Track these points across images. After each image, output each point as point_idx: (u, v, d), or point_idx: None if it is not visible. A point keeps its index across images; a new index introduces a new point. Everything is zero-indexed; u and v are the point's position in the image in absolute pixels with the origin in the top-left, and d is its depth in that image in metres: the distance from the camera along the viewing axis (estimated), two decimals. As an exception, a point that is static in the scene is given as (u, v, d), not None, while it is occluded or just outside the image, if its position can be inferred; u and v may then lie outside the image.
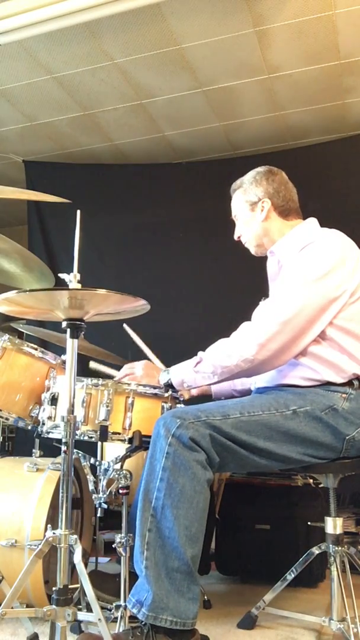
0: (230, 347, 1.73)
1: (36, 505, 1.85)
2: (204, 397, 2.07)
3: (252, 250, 2.04)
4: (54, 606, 1.36)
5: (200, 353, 1.81)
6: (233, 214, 2.05)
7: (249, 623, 1.86)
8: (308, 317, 1.69)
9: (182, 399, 1.93)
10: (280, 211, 1.95)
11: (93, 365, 2.15)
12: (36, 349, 2.00)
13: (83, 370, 1.84)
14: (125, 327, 2.19)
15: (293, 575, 1.86)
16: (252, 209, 1.97)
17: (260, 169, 2.00)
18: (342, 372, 1.72)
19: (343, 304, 1.73)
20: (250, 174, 2.00)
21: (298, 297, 1.70)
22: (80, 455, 1.93)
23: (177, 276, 3.47)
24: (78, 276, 1.48)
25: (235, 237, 2.05)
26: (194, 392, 2.04)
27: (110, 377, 2.05)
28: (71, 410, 1.48)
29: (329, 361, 1.73)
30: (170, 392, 1.87)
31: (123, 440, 1.76)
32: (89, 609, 1.43)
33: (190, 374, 1.79)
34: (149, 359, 2.10)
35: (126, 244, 3.59)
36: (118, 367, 2.07)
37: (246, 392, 2.07)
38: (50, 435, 1.82)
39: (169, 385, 1.84)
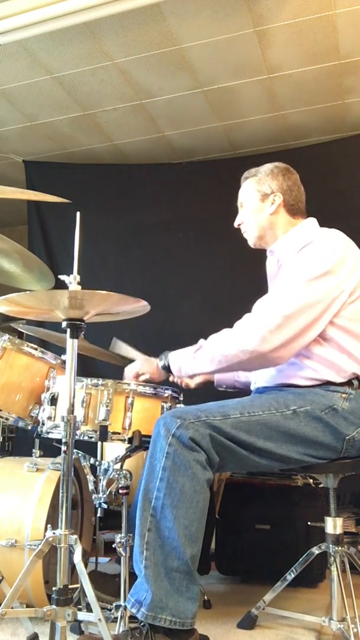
0: (232, 336, 1.73)
1: (36, 505, 1.85)
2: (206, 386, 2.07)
3: (251, 241, 2.00)
4: (54, 606, 1.36)
5: (201, 340, 1.81)
6: (239, 200, 2.02)
7: (249, 623, 1.86)
8: (312, 314, 1.68)
9: (188, 388, 1.93)
10: (289, 209, 1.94)
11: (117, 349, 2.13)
12: (36, 349, 2.00)
13: (83, 370, 1.84)
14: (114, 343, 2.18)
15: (293, 575, 1.86)
16: (263, 200, 1.95)
17: (278, 163, 1.99)
18: (341, 371, 1.72)
19: (342, 303, 1.73)
20: (268, 166, 1.98)
21: (301, 294, 1.69)
22: (80, 455, 1.93)
23: (177, 276, 3.47)
24: (78, 278, 1.48)
25: (236, 224, 2.02)
26: (198, 379, 2.05)
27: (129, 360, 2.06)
28: (71, 410, 1.48)
29: (329, 360, 1.73)
30: (170, 392, 1.87)
31: (123, 440, 1.77)
32: (89, 609, 1.43)
33: (188, 360, 1.79)
34: None
35: (126, 244, 3.59)
36: (119, 369, 2.07)
37: (248, 385, 2.07)
38: (50, 435, 1.83)
39: (166, 368, 1.84)
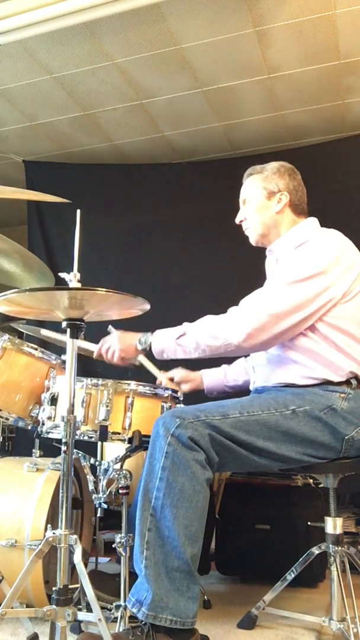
0: (218, 329, 1.74)
1: (36, 505, 1.85)
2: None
3: (253, 238, 1.99)
4: (54, 606, 1.36)
5: (185, 325, 1.81)
6: (242, 197, 2.00)
7: (249, 623, 1.86)
8: (300, 315, 1.70)
9: (180, 397, 1.93)
10: (294, 209, 1.94)
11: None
12: (36, 349, 2.00)
13: (83, 370, 1.83)
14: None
15: (293, 575, 1.86)
16: (269, 198, 1.94)
17: (284, 163, 1.99)
18: (339, 369, 1.73)
19: (335, 303, 1.73)
20: (274, 164, 1.98)
21: (291, 295, 1.70)
22: (80, 455, 1.93)
23: (177, 276, 3.47)
24: (78, 275, 1.48)
25: (237, 221, 2.01)
26: (186, 387, 2.06)
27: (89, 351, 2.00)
28: (71, 410, 1.48)
29: (326, 359, 1.73)
30: (170, 393, 1.87)
31: (123, 440, 1.77)
32: (89, 609, 1.43)
33: (171, 344, 1.80)
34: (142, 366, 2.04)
35: (126, 244, 3.59)
36: (119, 369, 2.06)
37: (238, 388, 2.08)
38: (50, 435, 1.82)
39: (145, 350, 1.84)
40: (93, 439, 1.75)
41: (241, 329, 1.69)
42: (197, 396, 2.02)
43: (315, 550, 1.83)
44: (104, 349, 1.92)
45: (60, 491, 1.43)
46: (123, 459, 1.76)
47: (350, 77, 2.90)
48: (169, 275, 3.47)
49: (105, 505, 1.84)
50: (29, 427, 1.96)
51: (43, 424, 1.85)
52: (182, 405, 1.95)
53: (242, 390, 2.05)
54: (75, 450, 1.81)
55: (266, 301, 1.72)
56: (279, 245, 1.93)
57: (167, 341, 1.81)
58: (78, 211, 1.55)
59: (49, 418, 1.83)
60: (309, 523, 2.19)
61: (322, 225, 1.93)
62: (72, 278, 1.47)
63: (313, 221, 1.94)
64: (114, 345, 1.90)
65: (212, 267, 3.39)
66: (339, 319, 1.74)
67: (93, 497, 1.85)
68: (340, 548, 1.78)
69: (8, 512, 1.87)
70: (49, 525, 1.73)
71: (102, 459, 1.97)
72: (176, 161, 3.69)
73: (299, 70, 2.85)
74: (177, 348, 1.79)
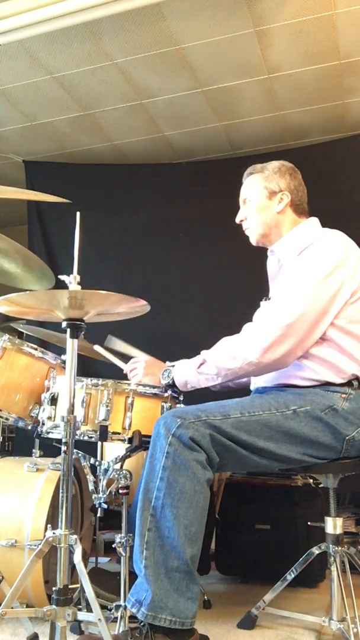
0: (235, 350, 1.71)
1: (36, 505, 1.85)
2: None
3: (254, 238, 1.98)
4: (54, 606, 1.36)
5: (203, 353, 1.79)
6: (243, 196, 1.98)
7: (249, 623, 1.86)
8: (312, 319, 1.69)
9: (180, 397, 1.92)
10: (295, 208, 1.94)
11: (99, 349, 2.09)
12: (36, 349, 2.00)
13: (83, 370, 1.83)
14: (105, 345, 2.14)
15: (293, 575, 1.86)
16: (270, 198, 1.92)
17: (285, 162, 1.98)
18: (341, 372, 1.72)
19: (343, 304, 1.73)
20: (275, 164, 1.97)
21: (301, 300, 1.69)
22: (80, 455, 1.93)
23: (177, 276, 3.47)
24: (78, 278, 1.48)
25: (238, 220, 1.99)
26: None
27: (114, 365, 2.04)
28: (71, 410, 1.48)
29: (329, 361, 1.73)
30: (169, 392, 1.87)
31: (123, 440, 1.77)
32: (89, 609, 1.43)
33: (193, 375, 1.78)
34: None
35: (126, 244, 3.59)
36: (119, 369, 2.06)
37: (242, 385, 2.07)
38: (50, 435, 1.82)
39: (170, 385, 1.83)
40: (93, 439, 1.75)
41: (257, 345, 1.67)
42: (197, 396, 2.02)
43: (315, 550, 1.83)
44: (129, 369, 1.96)
45: (60, 491, 1.43)
46: (123, 459, 1.76)
47: (350, 77, 2.90)
48: (169, 275, 3.47)
49: (105, 505, 1.84)
50: (29, 427, 1.95)
51: (43, 424, 1.85)
52: (182, 405, 1.95)
53: (245, 387, 2.05)
54: (75, 450, 1.81)
55: (278, 314, 1.70)
56: (281, 246, 1.92)
57: (188, 372, 1.79)
58: (78, 214, 1.55)
59: (49, 418, 1.83)
60: (309, 523, 2.19)
61: (322, 226, 1.93)
62: (72, 280, 1.47)
63: (314, 221, 1.94)
64: (139, 371, 1.92)
65: (212, 267, 3.39)
66: (345, 321, 1.74)
67: (93, 497, 1.85)
68: (340, 548, 1.78)
69: (8, 512, 1.87)
70: (49, 525, 1.73)
71: (102, 459, 1.97)
72: (176, 161, 3.69)
73: (299, 70, 2.85)
74: (200, 377, 1.77)
